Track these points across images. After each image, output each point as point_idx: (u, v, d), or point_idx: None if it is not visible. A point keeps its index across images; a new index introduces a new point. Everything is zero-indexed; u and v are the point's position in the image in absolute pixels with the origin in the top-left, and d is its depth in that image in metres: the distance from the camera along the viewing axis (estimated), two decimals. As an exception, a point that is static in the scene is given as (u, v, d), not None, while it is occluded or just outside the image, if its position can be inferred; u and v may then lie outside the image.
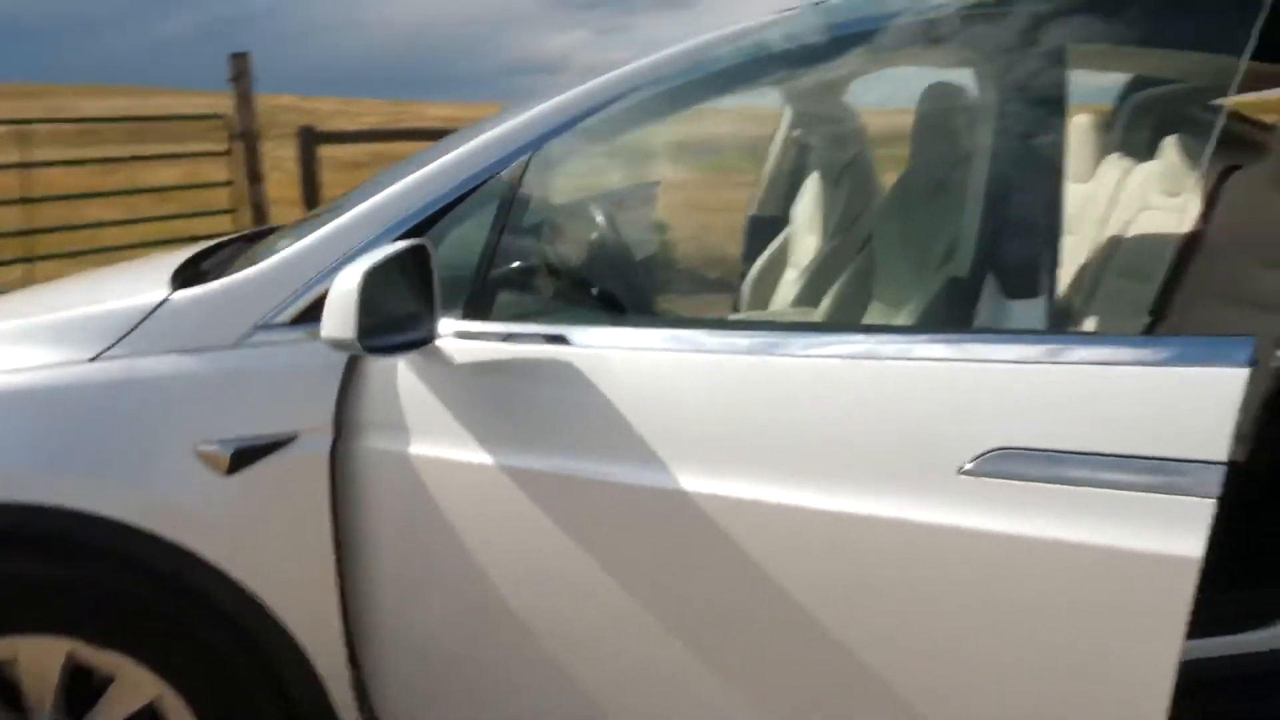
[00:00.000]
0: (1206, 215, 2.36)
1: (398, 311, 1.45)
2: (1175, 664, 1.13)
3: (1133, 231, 2.61)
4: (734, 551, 1.35)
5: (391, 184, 1.66)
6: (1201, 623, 1.15)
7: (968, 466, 1.23)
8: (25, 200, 6.35)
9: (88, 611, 1.52)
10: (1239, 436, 1.14)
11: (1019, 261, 1.81)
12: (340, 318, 1.38)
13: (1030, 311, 1.79)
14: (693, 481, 1.37)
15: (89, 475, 1.50)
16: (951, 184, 2.19)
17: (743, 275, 3.16)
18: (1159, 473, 1.15)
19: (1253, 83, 2.44)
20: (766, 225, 3.24)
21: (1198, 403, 1.15)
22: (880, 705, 1.31)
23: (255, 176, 6.22)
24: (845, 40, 1.80)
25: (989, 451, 1.22)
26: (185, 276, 1.80)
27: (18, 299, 2.37)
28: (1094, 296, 2.48)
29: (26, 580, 1.49)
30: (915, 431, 1.27)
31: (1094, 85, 3.15)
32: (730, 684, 1.42)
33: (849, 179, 2.92)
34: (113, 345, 1.57)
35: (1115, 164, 2.85)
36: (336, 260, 1.58)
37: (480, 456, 1.49)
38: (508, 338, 1.55)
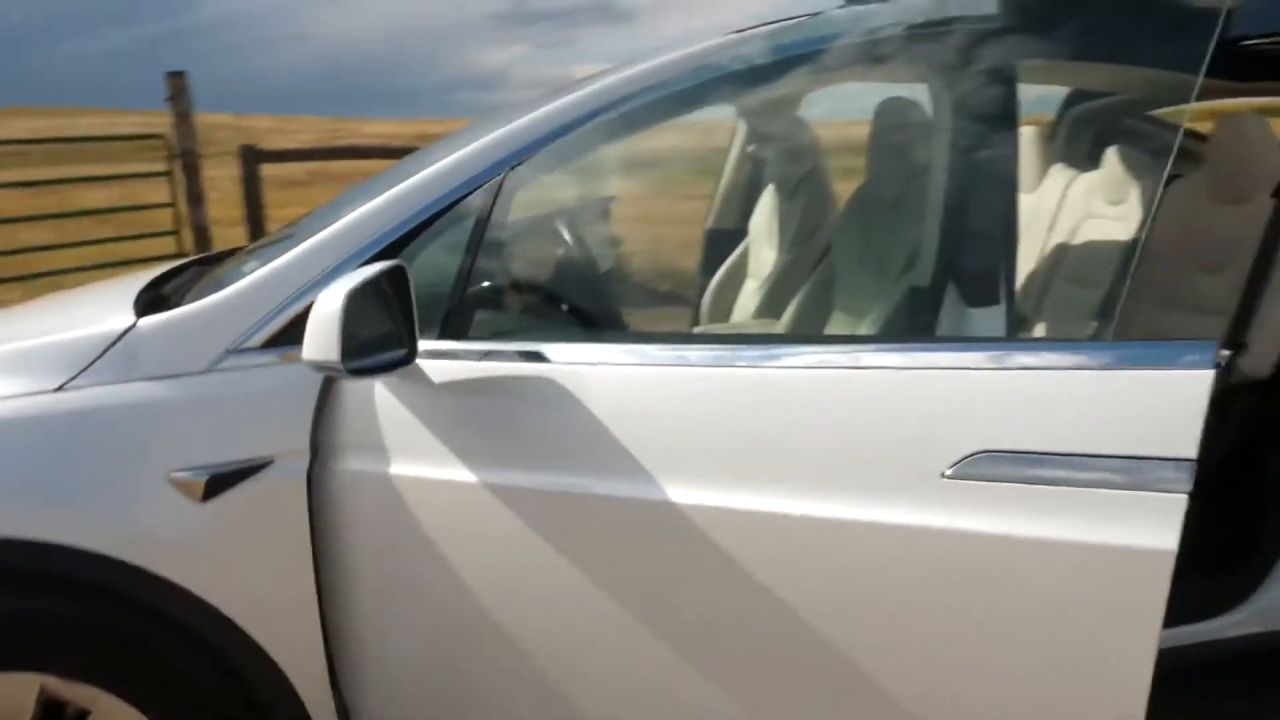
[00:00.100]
0: (1147, 223, 2.45)
1: (377, 332, 1.45)
2: (1154, 651, 1.18)
3: (1078, 239, 2.71)
4: (719, 561, 1.37)
5: (358, 206, 1.65)
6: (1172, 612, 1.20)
7: (950, 470, 1.27)
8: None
9: (60, 646, 1.49)
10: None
11: (978, 270, 1.86)
12: (324, 340, 1.38)
13: (990, 319, 1.85)
14: (675, 493, 1.39)
15: (58, 507, 1.47)
16: (909, 196, 2.25)
17: (701, 288, 3.20)
18: (1134, 471, 1.21)
19: (1183, 95, 2.55)
20: (724, 238, 3.28)
21: (1167, 403, 1.21)
22: (874, 710, 1.34)
23: (196, 197, 6.11)
24: (801, 59, 1.84)
25: (970, 455, 1.26)
26: (147, 302, 1.77)
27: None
28: (1043, 303, 2.56)
29: None
30: (898, 438, 1.31)
31: (1032, 96, 3.25)
32: (717, 693, 1.44)
33: (805, 192, 2.97)
34: (79, 374, 1.54)
35: (1060, 174, 2.95)
36: (308, 283, 1.57)
37: (461, 474, 1.49)
38: (485, 355, 1.56)
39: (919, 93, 2.21)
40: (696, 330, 3.01)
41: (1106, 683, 1.23)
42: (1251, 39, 1.89)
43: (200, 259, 2.38)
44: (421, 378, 1.53)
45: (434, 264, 1.63)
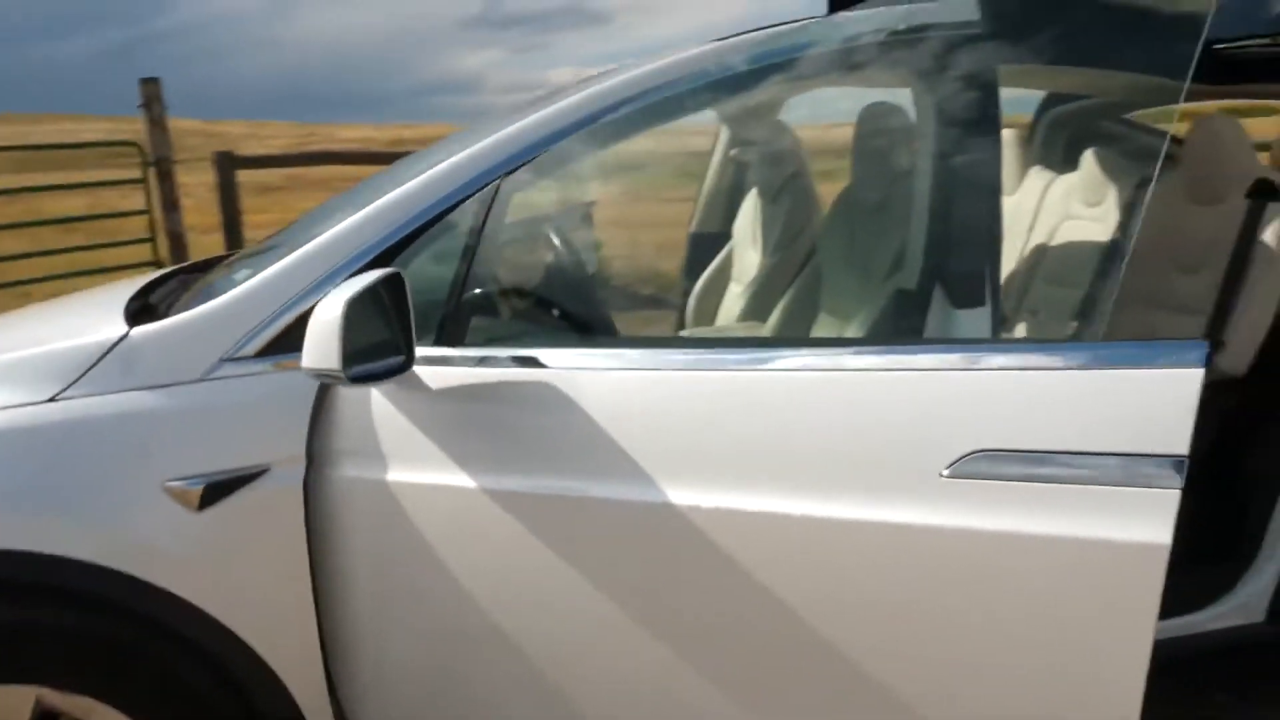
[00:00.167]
0: (1125, 224, 2.49)
1: (375, 340, 1.45)
2: (1150, 644, 1.21)
3: (1057, 240, 2.75)
4: (718, 562, 1.38)
5: (349, 214, 1.65)
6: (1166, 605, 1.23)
7: (948, 469, 1.29)
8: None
9: (55, 657, 1.47)
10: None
11: (964, 272, 1.89)
12: (324, 348, 1.38)
13: (976, 320, 1.87)
14: (673, 494, 1.40)
15: (53, 517, 1.46)
16: (893, 199, 2.28)
17: (686, 291, 3.21)
18: (1128, 467, 1.24)
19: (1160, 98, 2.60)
20: (708, 241, 3.30)
21: (1159, 401, 1.24)
22: (874, 709, 1.36)
23: (172, 204, 6.04)
24: (785, 65, 1.86)
25: (968, 454, 1.29)
26: (136, 311, 1.76)
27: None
28: (1023, 303, 2.60)
29: None
30: (896, 438, 1.33)
31: (1011, 98, 3.29)
32: (717, 694, 1.45)
33: (788, 195, 3.00)
34: (72, 384, 1.53)
35: (1038, 176, 2.99)
36: (302, 291, 1.57)
37: (458, 479, 1.49)
38: (480, 361, 1.57)
39: (903, 98, 2.24)
40: (683, 334, 3.02)
41: (1103, 677, 1.26)
42: (1222, 43, 1.93)
43: (185, 268, 2.36)
44: (417, 384, 1.54)
45: (426, 272, 1.64)
